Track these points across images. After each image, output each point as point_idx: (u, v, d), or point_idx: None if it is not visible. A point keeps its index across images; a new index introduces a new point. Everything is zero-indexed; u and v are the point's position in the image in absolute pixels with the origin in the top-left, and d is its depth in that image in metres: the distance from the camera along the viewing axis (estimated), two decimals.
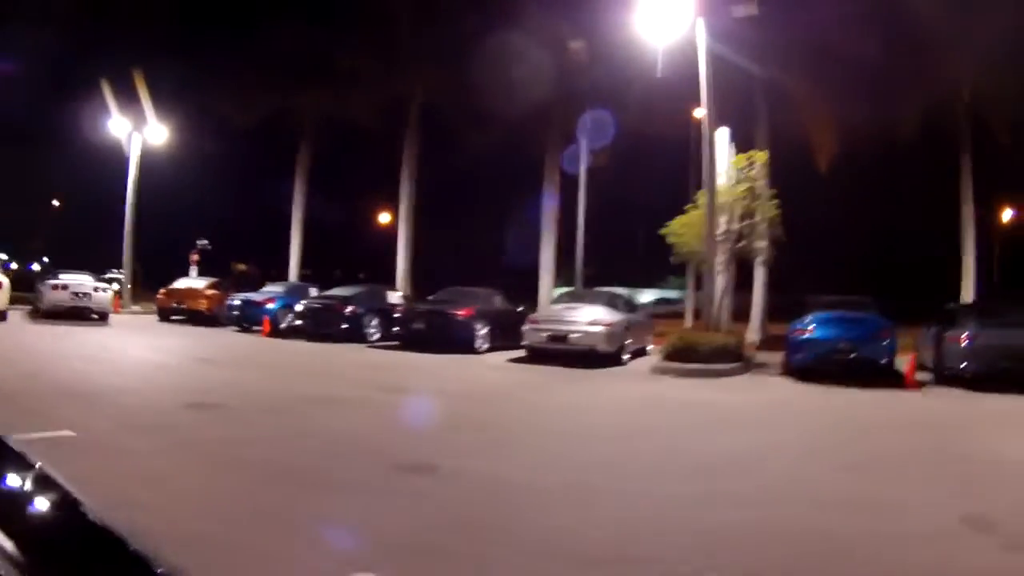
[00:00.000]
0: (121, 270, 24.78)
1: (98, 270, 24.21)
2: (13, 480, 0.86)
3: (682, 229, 13.51)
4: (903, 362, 10.82)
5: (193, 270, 24.28)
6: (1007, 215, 26.16)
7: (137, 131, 22.34)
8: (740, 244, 13.26)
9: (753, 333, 17.46)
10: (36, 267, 28.89)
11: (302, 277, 24.21)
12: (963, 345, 10.04)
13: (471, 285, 15.54)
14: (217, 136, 26.05)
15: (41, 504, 0.81)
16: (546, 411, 8.08)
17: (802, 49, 15.49)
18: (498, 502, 4.25)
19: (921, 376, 10.67)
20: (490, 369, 11.55)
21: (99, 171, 24.20)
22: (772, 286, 18.76)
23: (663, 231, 13.83)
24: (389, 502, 4.11)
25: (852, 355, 10.54)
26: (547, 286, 20.51)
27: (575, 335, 11.84)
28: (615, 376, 11.05)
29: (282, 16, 21.08)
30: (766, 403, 8.97)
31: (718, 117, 12.66)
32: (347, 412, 7.26)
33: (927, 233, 23.37)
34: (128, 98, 21.88)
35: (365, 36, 20.52)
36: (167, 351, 12.17)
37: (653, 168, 21.99)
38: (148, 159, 23.31)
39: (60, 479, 0.83)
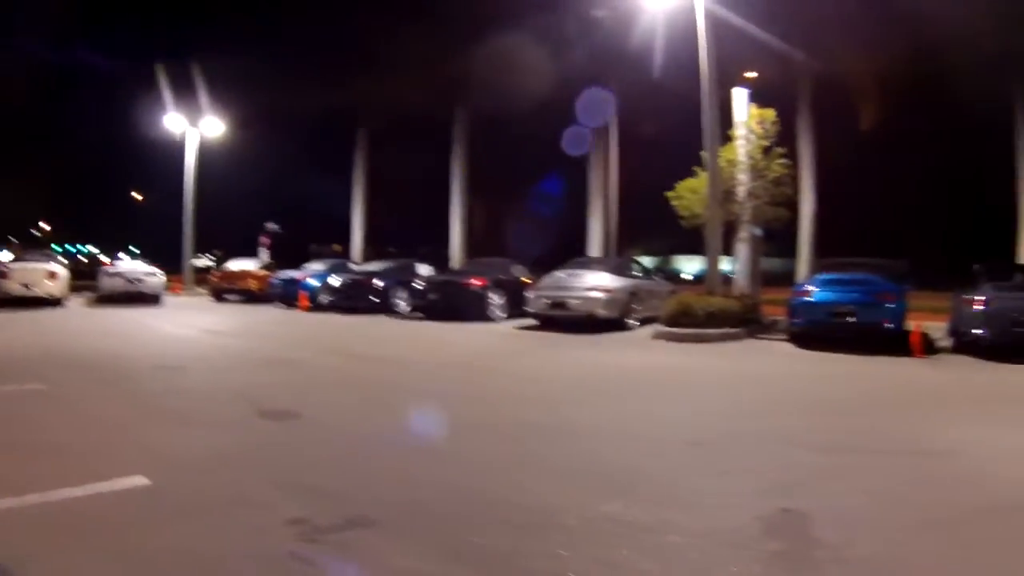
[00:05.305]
0: (209, 254, 26.77)
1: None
2: None
3: (687, 193, 13.41)
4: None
5: (264, 253, 25.76)
6: None
7: (193, 126, 24.03)
8: (751, 205, 12.93)
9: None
10: (123, 256, 31.86)
11: (375, 254, 25.33)
12: (978, 309, 9.22)
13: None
14: (279, 127, 27.49)
15: None
16: (472, 375, 7.83)
17: None
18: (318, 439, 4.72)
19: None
20: (483, 335, 11.58)
21: (175, 164, 26.11)
22: (818, 250, 19.37)
23: (669, 195, 13.67)
24: (220, 435, 4.79)
25: (851, 319, 9.90)
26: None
27: (574, 301, 12.02)
28: (604, 342, 10.76)
29: (331, 8, 22.12)
30: (713, 369, 8.41)
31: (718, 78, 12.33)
32: (274, 371, 7.77)
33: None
34: (187, 94, 23.56)
35: (411, 24, 21.54)
36: (189, 326, 12.67)
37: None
38: (214, 152, 24.94)
39: None
